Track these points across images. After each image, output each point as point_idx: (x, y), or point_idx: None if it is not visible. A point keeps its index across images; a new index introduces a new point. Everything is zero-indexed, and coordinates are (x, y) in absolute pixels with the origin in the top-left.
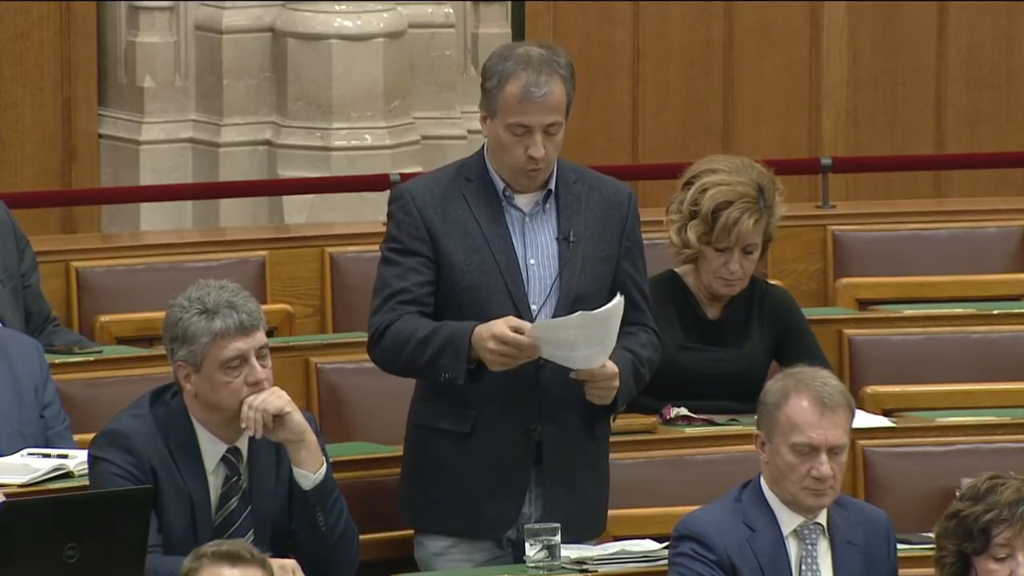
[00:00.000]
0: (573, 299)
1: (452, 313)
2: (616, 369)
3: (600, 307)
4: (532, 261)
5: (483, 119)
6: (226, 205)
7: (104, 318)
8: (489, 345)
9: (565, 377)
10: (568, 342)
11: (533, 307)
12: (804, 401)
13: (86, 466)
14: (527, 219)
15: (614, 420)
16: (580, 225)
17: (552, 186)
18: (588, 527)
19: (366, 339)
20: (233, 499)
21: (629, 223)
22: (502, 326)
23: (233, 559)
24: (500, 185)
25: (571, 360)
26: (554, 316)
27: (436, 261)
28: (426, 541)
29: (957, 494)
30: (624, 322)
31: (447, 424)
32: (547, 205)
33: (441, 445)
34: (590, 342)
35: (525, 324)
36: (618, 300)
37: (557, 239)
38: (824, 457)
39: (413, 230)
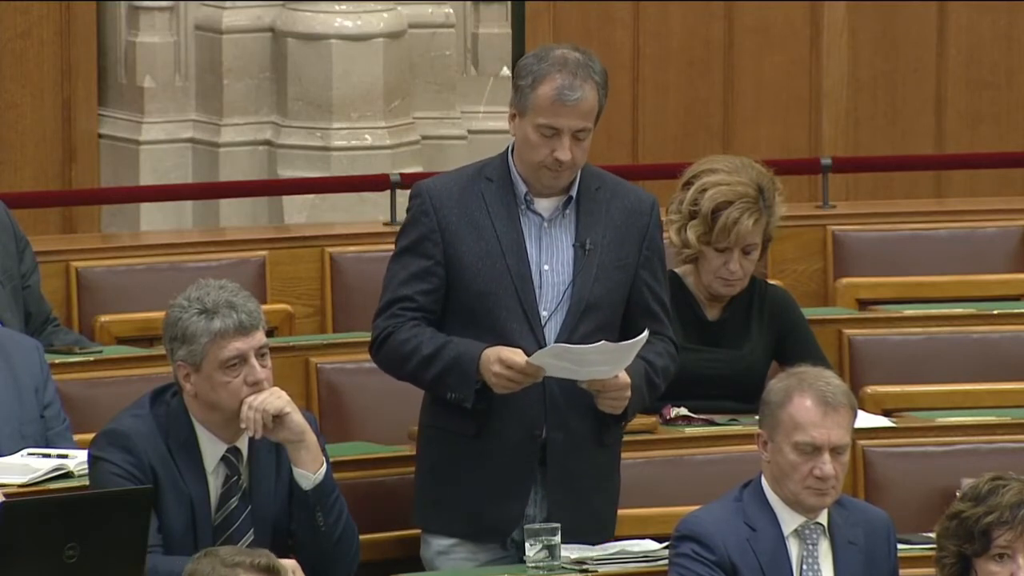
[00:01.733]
0: (585, 307)
1: (462, 316)
2: (628, 380)
3: (613, 318)
4: (546, 267)
5: (512, 117)
6: (226, 205)
7: (104, 318)
8: (494, 368)
9: (573, 382)
10: (586, 363)
11: (544, 313)
12: (808, 400)
13: (86, 466)
14: (545, 224)
15: (624, 428)
16: (599, 233)
17: (573, 192)
18: (593, 533)
19: (366, 339)
20: (233, 499)
21: (650, 232)
22: (508, 351)
23: (272, 573)
24: (522, 188)
25: (578, 374)
26: (564, 323)
27: (446, 263)
28: (431, 540)
29: (957, 494)
30: (639, 331)
31: (454, 425)
32: (567, 211)
33: (448, 445)
34: (603, 364)
35: (522, 357)
36: (643, 336)
37: (574, 246)
38: (827, 457)
39: (427, 230)
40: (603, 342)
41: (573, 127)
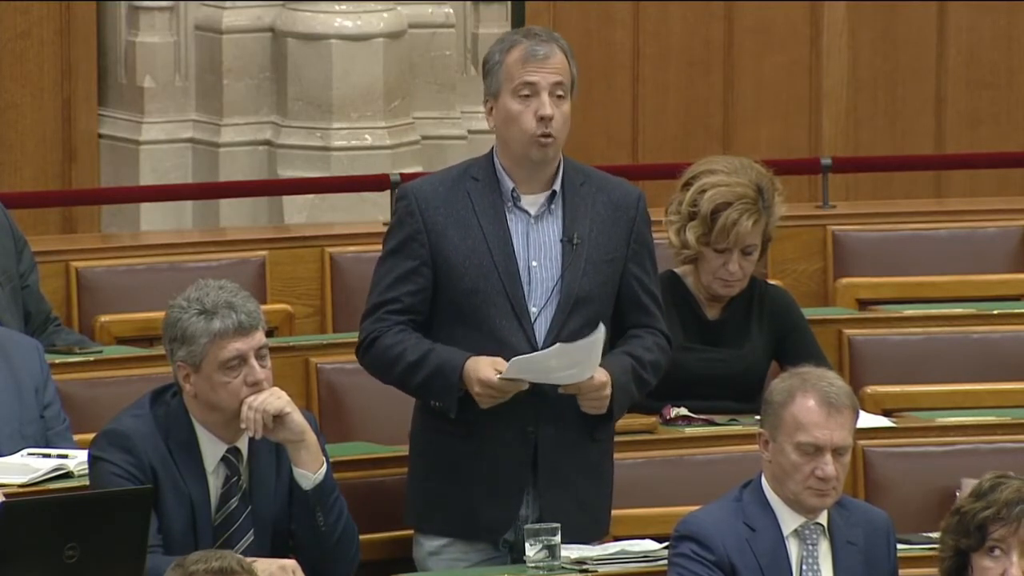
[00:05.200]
0: (575, 301)
1: (451, 315)
2: (605, 378)
3: (603, 312)
4: (534, 263)
5: (489, 111)
6: (226, 205)
7: (104, 318)
8: (475, 389)
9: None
10: (550, 369)
11: (533, 310)
12: (810, 401)
13: (86, 466)
14: (532, 220)
15: (615, 424)
16: (585, 227)
17: (557, 186)
18: (587, 530)
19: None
20: (233, 499)
21: (637, 225)
22: (488, 370)
23: (227, 575)
24: (508, 185)
25: (552, 379)
26: (554, 318)
27: (434, 264)
28: (423, 540)
29: (957, 494)
30: (630, 325)
31: (447, 425)
32: (552, 206)
33: (440, 446)
34: (570, 367)
35: (503, 364)
36: (598, 333)
37: (561, 241)
38: (829, 457)
39: (413, 231)
40: (558, 345)
41: (549, 80)
